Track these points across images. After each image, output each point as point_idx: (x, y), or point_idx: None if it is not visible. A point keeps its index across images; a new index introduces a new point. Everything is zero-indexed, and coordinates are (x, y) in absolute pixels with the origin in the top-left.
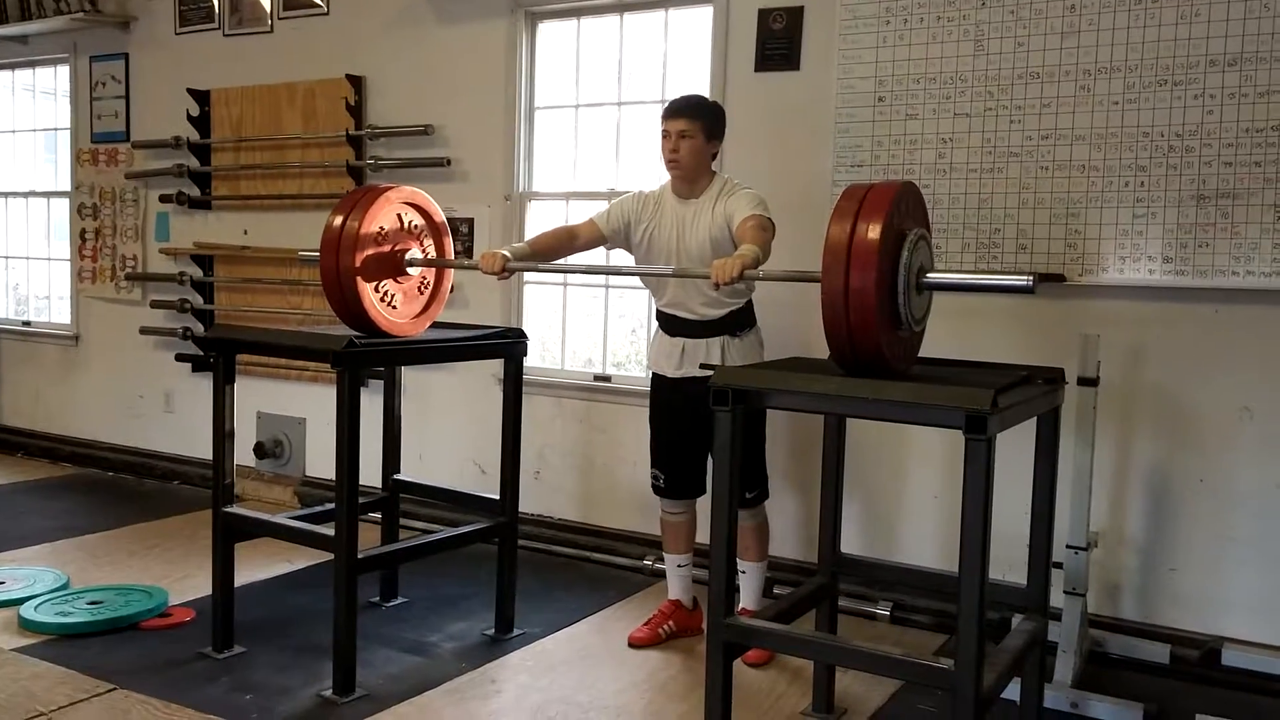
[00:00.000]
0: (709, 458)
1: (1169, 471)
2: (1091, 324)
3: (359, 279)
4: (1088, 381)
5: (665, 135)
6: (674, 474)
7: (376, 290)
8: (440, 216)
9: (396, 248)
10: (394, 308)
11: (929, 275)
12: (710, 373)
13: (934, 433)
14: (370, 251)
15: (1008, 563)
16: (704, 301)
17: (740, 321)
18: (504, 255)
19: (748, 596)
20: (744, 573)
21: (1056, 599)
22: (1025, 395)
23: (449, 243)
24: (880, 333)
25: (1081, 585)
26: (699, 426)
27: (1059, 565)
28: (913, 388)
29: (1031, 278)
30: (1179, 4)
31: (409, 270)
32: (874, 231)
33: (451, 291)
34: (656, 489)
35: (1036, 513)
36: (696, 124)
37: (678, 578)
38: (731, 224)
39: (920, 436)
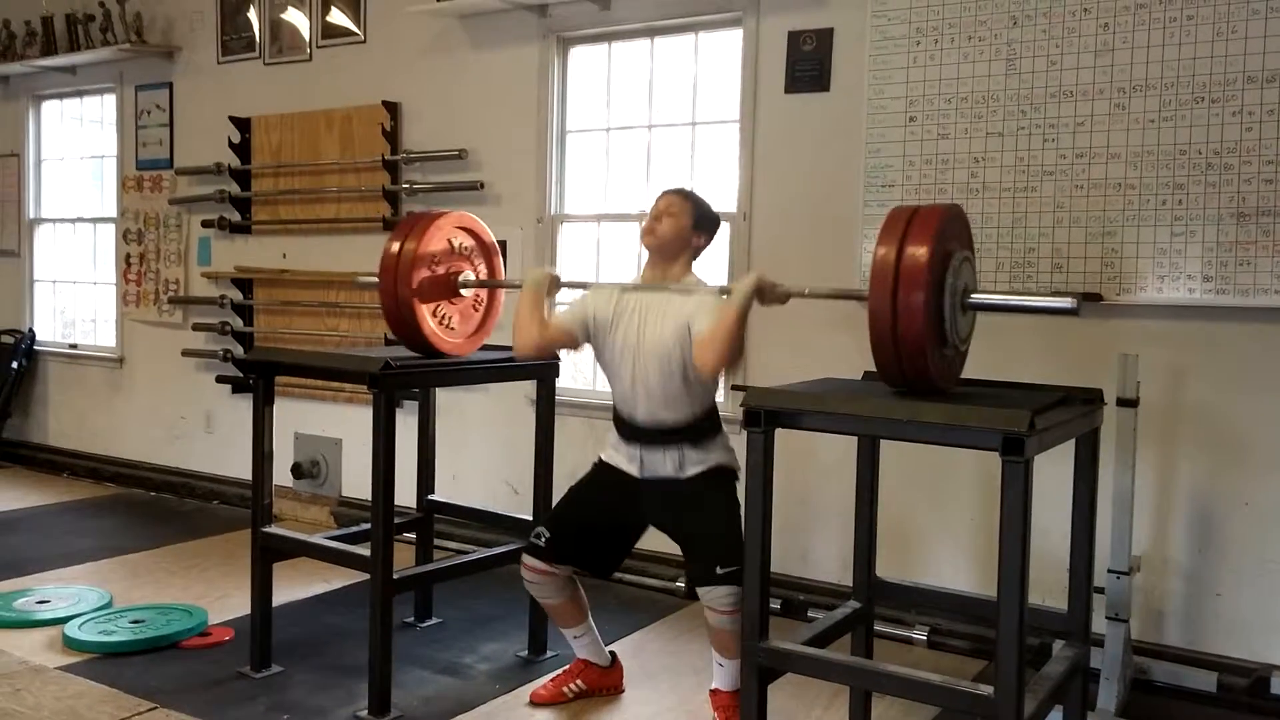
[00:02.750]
0: (622, 544)
1: (1213, 494)
2: (1130, 344)
3: (416, 300)
4: (1127, 402)
5: (651, 212)
6: (563, 538)
7: (434, 314)
8: (490, 237)
9: (450, 270)
10: (451, 329)
11: (974, 296)
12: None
13: (970, 454)
14: (425, 274)
15: (1048, 587)
16: (660, 408)
17: (700, 431)
18: (554, 275)
19: (724, 681)
20: (721, 665)
21: (1098, 625)
22: (1063, 416)
23: (499, 262)
24: (929, 351)
25: (1124, 611)
26: (629, 524)
27: (1100, 590)
28: (949, 409)
29: (1075, 300)
30: (1215, 21)
31: (462, 291)
32: (922, 252)
33: None
34: (532, 548)
35: (1076, 536)
36: (685, 205)
37: (581, 646)
38: (691, 328)
39: (957, 458)
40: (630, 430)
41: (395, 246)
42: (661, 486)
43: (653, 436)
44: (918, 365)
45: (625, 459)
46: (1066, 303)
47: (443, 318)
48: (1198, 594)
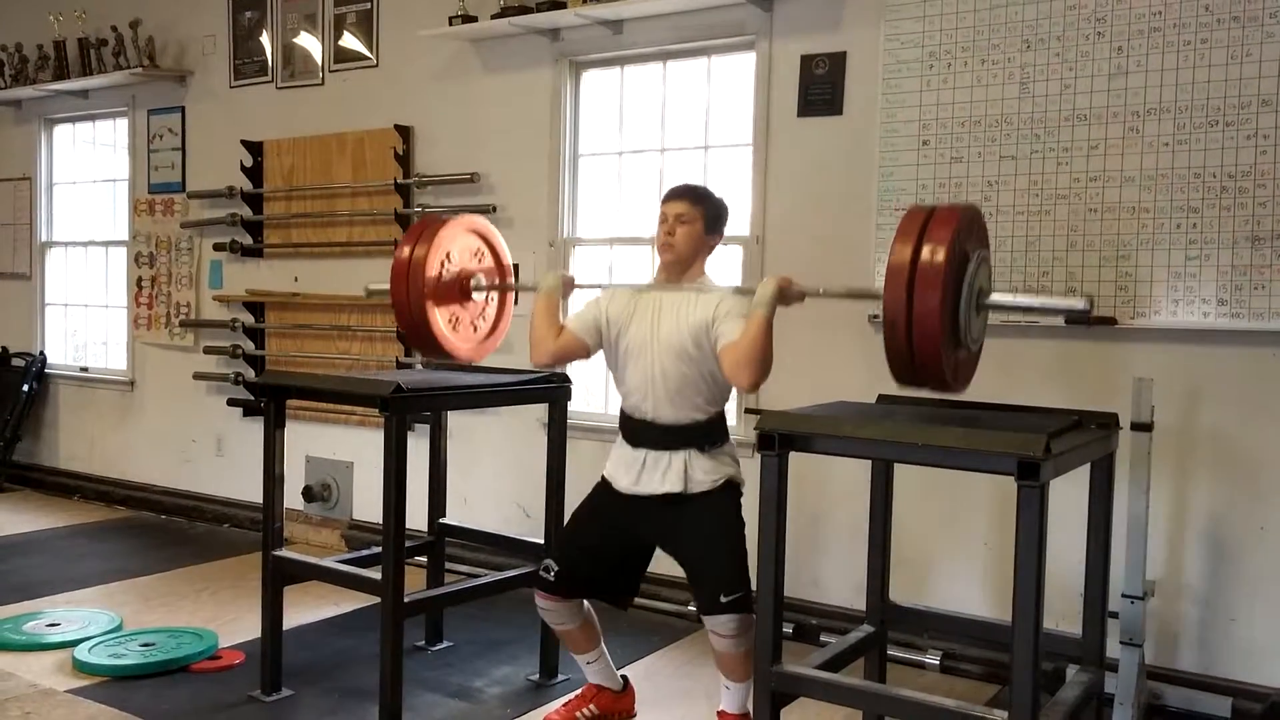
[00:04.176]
0: (633, 569)
1: (1228, 519)
2: (1144, 367)
3: (429, 303)
4: (1142, 426)
5: (662, 219)
6: (573, 570)
7: (446, 318)
8: (499, 242)
9: (461, 273)
10: (462, 333)
11: (990, 297)
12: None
13: (985, 477)
14: (437, 277)
15: (1061, 612)
16: (671, 401)
17: (709, 434)
18: (568, 278)
19: (731, 704)
20: (728, 688)
21: (1113, 649)
22: (1078, 440)
23: (509, 266)
24: (942, 351)
25: (1138, 635)
26: (635, 548)
27: (1115, 615)
28: (964, 433)
29: (1088, 300)
30: (1229, 44)
31: (474, 295)
32: (940, 253)
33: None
34: (542, 582)
35: (1091, 561)
36: (697, 210)
37: (593, 671)
38: (710, 331)
39: (971, 481)
40: (639, 431)
41: (406, 250)
42: (661, 502)
43: (662, 437)
44: (931, 365)
45: (624, 467)
46: (1079, 303)
47: (455, 321)
48: (1212, 619)
